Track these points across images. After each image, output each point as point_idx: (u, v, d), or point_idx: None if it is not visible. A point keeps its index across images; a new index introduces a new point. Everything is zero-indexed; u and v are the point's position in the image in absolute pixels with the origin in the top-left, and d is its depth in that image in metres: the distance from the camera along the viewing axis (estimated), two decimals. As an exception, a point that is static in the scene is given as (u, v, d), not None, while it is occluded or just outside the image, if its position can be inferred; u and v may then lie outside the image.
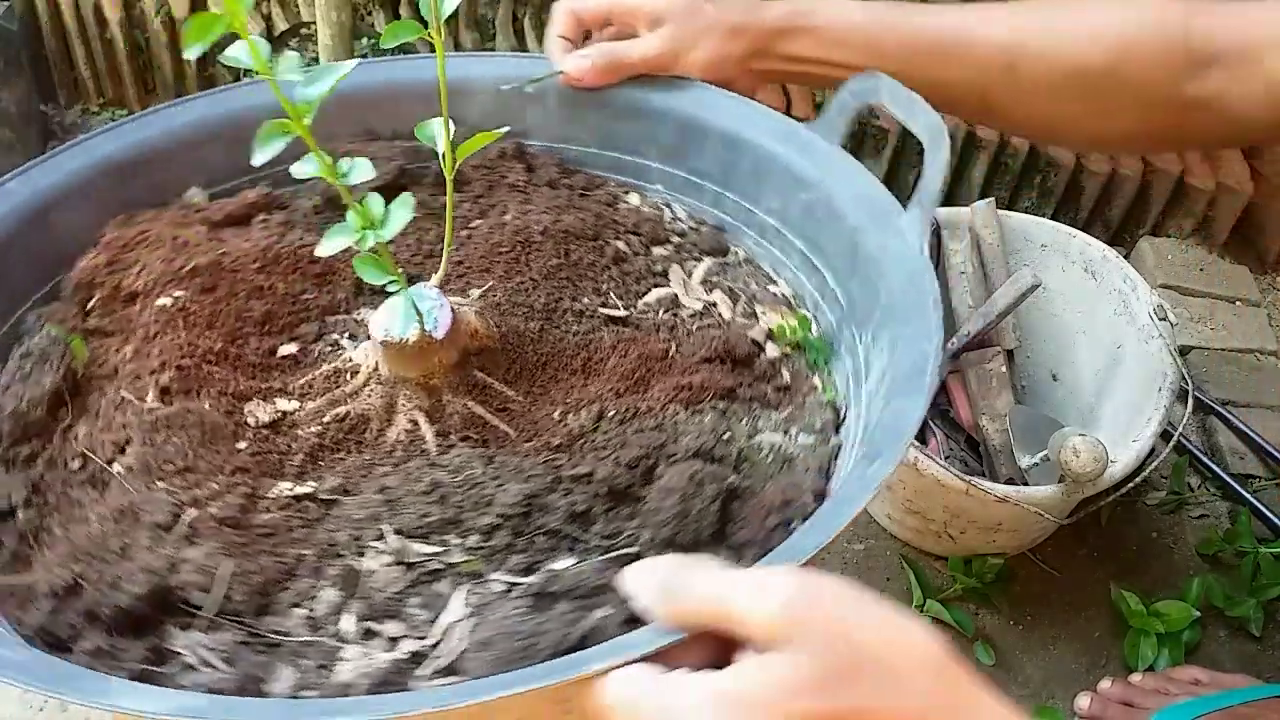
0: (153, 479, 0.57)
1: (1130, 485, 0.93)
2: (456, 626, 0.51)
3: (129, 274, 0.68)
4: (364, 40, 1.52)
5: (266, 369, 0.66)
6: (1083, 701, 0.92)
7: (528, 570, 0.54)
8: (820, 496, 0.60)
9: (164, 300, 0.66)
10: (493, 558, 0.55)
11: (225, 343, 0.66)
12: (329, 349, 0.67)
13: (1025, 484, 0.98)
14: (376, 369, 0.63)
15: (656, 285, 0.74)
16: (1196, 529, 1.11)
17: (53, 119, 1.57)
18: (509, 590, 0.53)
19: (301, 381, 0.64)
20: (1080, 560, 1.06)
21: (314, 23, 1.37)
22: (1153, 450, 0.94)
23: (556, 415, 0.63)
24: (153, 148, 0.75)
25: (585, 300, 0.71)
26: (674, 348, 0.67)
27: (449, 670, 0.50)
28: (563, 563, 0.54)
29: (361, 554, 0.55)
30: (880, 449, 0.53)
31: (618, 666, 0.44)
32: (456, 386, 0.63)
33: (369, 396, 0.62)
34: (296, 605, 0.53)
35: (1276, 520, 1.09)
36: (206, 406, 0.61)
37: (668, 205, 0.81)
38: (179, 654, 0.51)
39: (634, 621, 0.50)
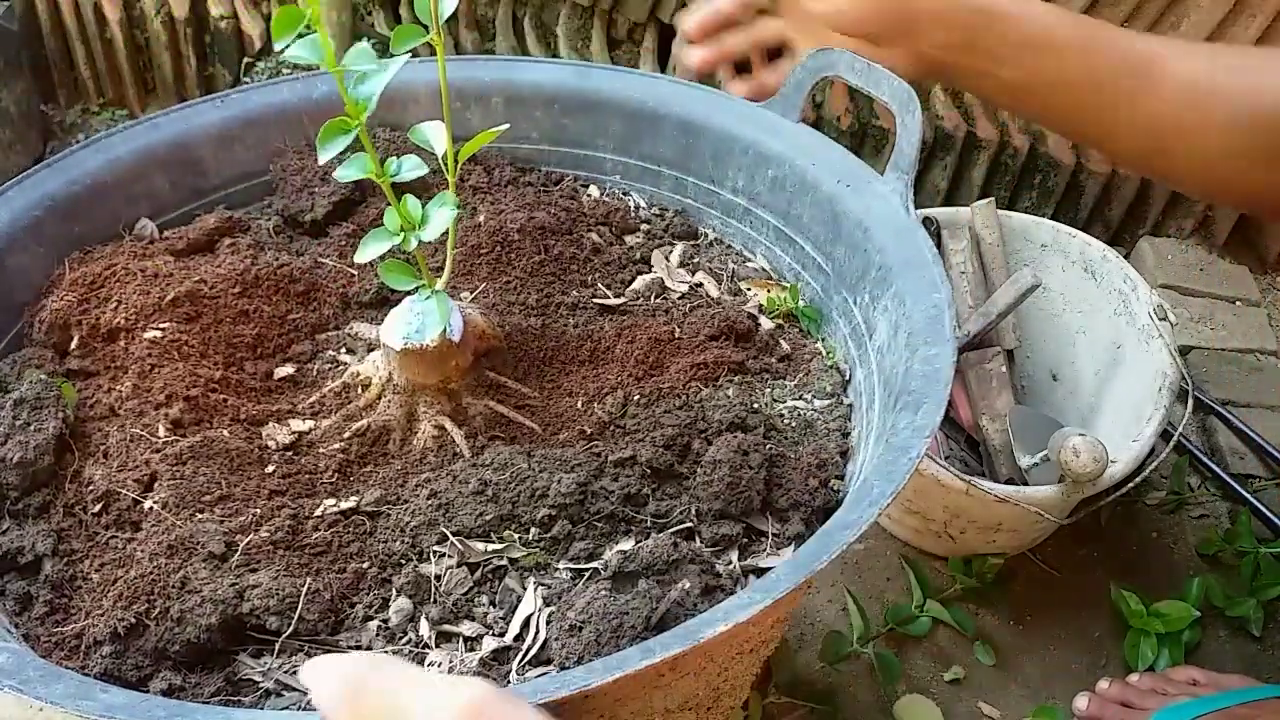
0: (192, 511, 0.56)
1: (1130, 485, 0.94)
2: (534, 618, 0.52)
3: (105, 310, 0.66)
4: (364, 40, 1.52)
5: (268, 392, 0.65)
6: (1080, 702, 0.93)
7: (591, 556, 0.55)
8: (844, 454, 0.63)
9: (152, 333, 0.65)
10: (554, 548, 0.56)
11: (224, 370, 0.65)
12: (328, 366, 0.67)
13: (1025, 484, 0.98)
14: (390, 379, 0.62)
15: (640, 272, 0.76)
16: (1196, 529, 1.11)
17: (53, 119, 1.56)
18: (581, 576, 0.54)
19: (311, 400, 0.64)
20: (1080, 560, 1.07)
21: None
22: (1153, 450, 0.94)
23: (580, 405, 0.64)
24: (97, 180, 0.72)
25: (575, 293, 0.72)
26: (676, 329, 0.69)
27: (539, 661, 0.51)
28: (625, 545, 0.55)
29: (425, 559, 0.55)
30: (921, 397, 0.56)
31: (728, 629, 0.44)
32: (474, 388, 0.64)
33: (387, 407, 0.62)
34: (369, 618, 0.53)
35: (1276, 520, 1.09)
36: (225, 434, 0.60)
37: (627, 194, 0.83)
38: (255, 682, 0.50)
39: (712, 591, 0.53)
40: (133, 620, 0.51)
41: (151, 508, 0.56)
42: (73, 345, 0.66)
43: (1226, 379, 1.26)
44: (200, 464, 0.58)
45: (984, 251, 1.09)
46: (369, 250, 0.56)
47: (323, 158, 0.51)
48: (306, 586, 0.52)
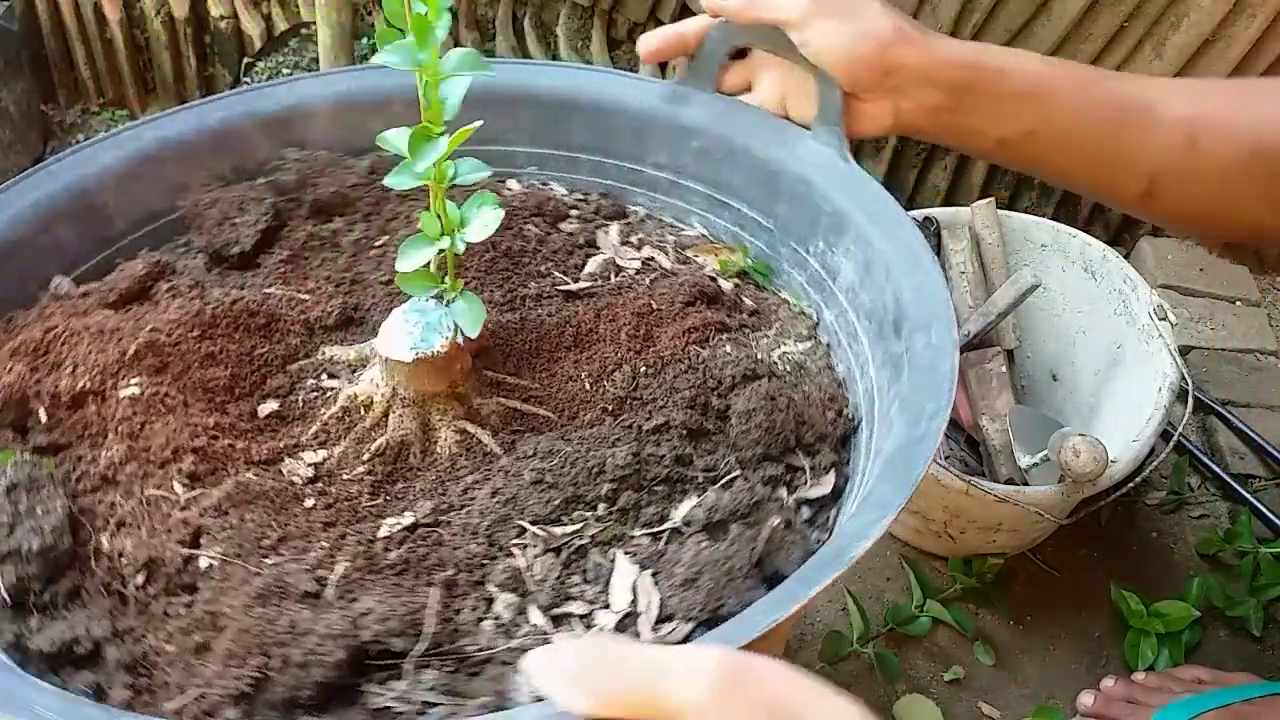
0: (259, 557, 0.53)
1: (1130, 485, 0.94)
2: (638, 582, 0.54)
3: (63, 376, 0.61)
4: (364, 40, 1.51)
5: (261, 430, 0.62)
6: (1086, 699, 0.93)
7: (662, 519, 0.58)
8: (840, 384, 0.68)
9: (129, 391, 0.60)
10: (625, 518, 0.58)
11: (215, 416, 0.61)
12: (313, 395, 0.65)
13: (1025, 484, 0.98)
14: (395, 393, 0.61)
15: (589, 255, 0.77)
16: (1196, 529, 1.11)
17: (53, 119, 1.55)
18: (659, 539, 0.57)
19: (313, 430, 0.62)
20: (1080, 560, 1.07)
21: (314, 23, 1.37)
22: (1153, 450, 0.94)
23: (587, 386, 0.65)
24: (2, 240, 0.67)
25: (534, 284, 0.73)
26: (652, 302, 0.70)
27: (663, 619, 0.53)
28: (689, 502, 0.58)
29: (508, 554, 0.55)
30: (927, 319, 0.61)
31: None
32: (480, 389, 0.64)
33: (399, 422, 0.61)
34: (481, 619, 0.53)
35: (1276, 520, 1.09)
36: (252, 478, 0.58)
37: (546, 184, 0.83)
38: (390, 708, 0.49)
39: (790, 525, 0.57)
40: (254, 676, 0.48)
41: (212, 563, 0.54)
42: (39, 419, 0.61)
43: (1226, 379, 1.27)
44: (243, 510, 0.56)
45: (984, 251, 1.09)
46: (412, 259, 0.56)
47: (419, 167, 0.51)
48: (420, 601, 0.51)
